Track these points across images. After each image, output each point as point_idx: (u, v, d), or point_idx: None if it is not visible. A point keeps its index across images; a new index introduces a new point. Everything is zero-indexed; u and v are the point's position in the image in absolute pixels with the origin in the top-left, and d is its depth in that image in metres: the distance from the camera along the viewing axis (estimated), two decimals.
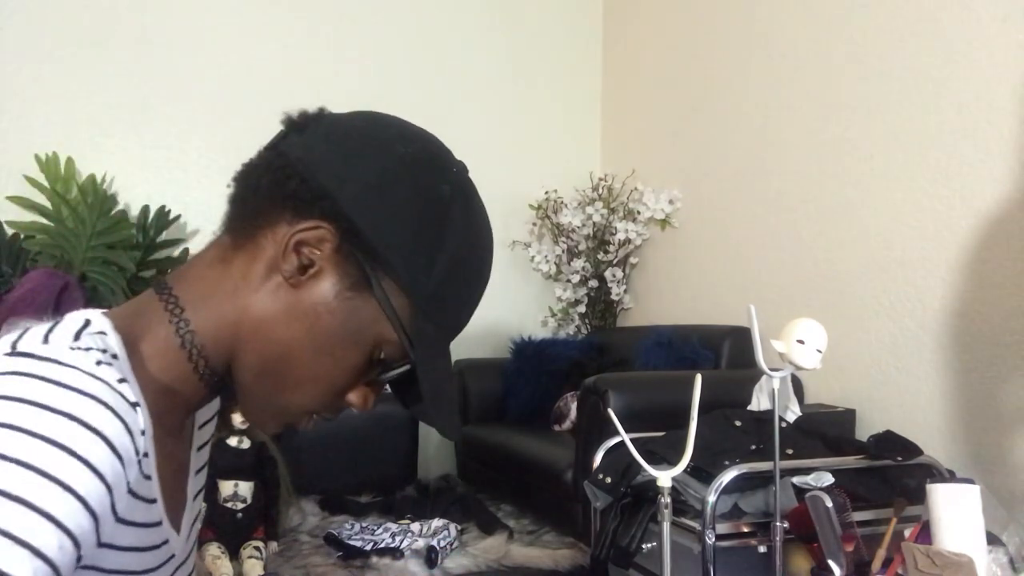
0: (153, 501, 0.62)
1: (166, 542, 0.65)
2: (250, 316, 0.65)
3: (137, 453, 0.55)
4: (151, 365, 0.63)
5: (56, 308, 2.58)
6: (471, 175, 0.71)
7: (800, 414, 2.14)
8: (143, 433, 0.57)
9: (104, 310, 0.65)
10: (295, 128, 0.68)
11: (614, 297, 3.78)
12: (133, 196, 3.37)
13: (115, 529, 0.56)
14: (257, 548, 2.41)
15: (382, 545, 2.55)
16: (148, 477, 0.60)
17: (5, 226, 3.07)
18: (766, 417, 1.93)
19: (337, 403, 0.68)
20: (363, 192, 0.64)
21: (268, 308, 0.64)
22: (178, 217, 3.36)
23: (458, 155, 0.72)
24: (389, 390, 0.75)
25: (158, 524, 0.63)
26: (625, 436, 1.50)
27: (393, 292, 0.65)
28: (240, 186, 0.68)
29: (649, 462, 1.51)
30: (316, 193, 0.64)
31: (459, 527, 2.71)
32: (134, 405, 0.56)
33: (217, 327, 0.65)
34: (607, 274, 3.76)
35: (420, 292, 0.65)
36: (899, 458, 1.94)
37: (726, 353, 2.88)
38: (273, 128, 0.71)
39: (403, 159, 0.66)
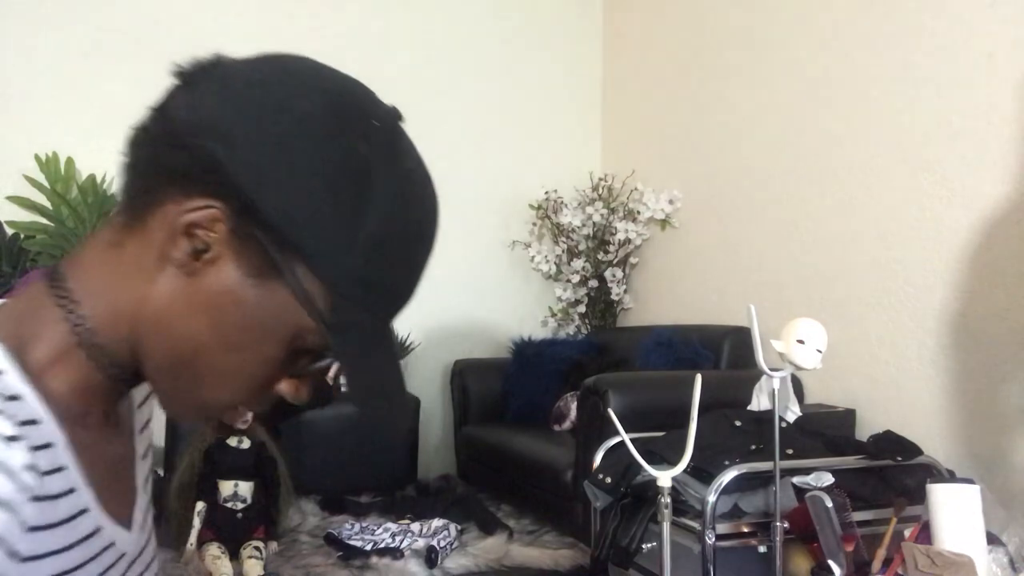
0: (69, 492, 0.55)
1: (98, 530, 0.58)
2: (148, 309, 0.57)
3: (33, 482, 0.51)
4: (52, 372, 0.56)
5: None
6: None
7: (800, 414, 2.14)
8: (49, 446, 0.53)
9: None
10: (184, 82, 0.58)
11: (614, 297, 3.78)
12: None
13: (29, 545, 0.51)
14: (257, 548, 2.41)
15: (382, 545, 2.55)
16: (58, 469, 0.54)
17: (5, 226, 3.08)
18: (766, 417, 1.93)
19: (263, 396, 0.61)
20: (259, 160, 0.54)
21: (166, 300, 0.56)
22: None
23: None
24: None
25: (84, 512, 0.57)
26: (625, 436, 1.50)
27: (308, 277, 0.56)
28: (130, 156, 0.59)
29: (649, 462, 1.51)
30: (204, 165, 0.54)
31: (459, 527, 2.71)
32: (28, 423, 0.52)
33: (115, 322, 0.58)
34: (607, 274, 3.76)
35: (340, 277, 0.56)
36: (899, 458, 1.94)
37: (726, 353, 2.88)
38: None
39: (309, 116, 0.56)
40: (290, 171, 0.55)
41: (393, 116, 0.61)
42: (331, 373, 3.38)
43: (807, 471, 1.84)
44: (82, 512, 0.56)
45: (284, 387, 0.61)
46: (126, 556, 0.62)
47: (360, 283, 0.57)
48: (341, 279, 0.56)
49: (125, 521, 0.62)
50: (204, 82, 0.57)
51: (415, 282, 0.63)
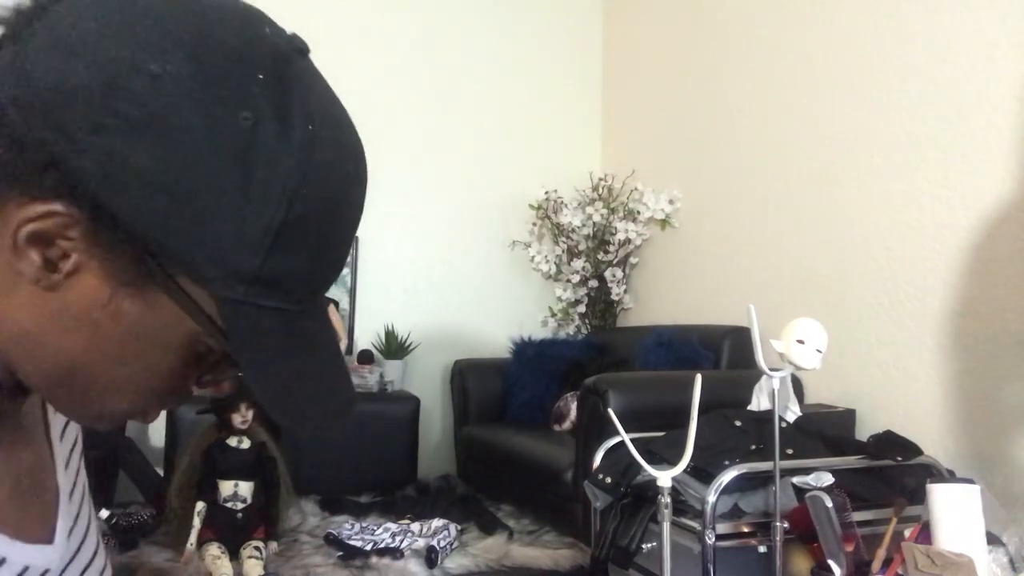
0: None
1: (2, 561, 0.50)
2: (9, 326, 0.47)
3: None
4: None
5: None
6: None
7: (800, 414, 2.14)
8: None
9: None
10: (6, 37, 0.45)
11: (614, 297, 3.78)
12: None
13: None
14: (257, 548, 2.41)
15: (382, 545, 2.55)
16: None
17: None
18: (766, 417, 1.93)
19: (171, 400, 0.52)
20: (108, 149, 0.42)
21: (28, 318, 0.46)
22: None
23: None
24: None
25: None
26: (625, 436, 1.50)
27: (189, 282, 0.46)
28: None
29: (649, 462, 1.51)
30: (38, 160, 0.43)
31: (459, 527, 2.72)
32: None
33: None
34: (607, 274, 3.76)
35: (229, 280, 0.45)
36: (899, 458, 1.94)
37: (726, 353, 2.88)
38: None
39: (169, 79, 0.43)
40: (148, 158, 0.43)
41: (286, 57, 0.47)
42: None
43: (807, 471, 1.84)
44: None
45: (197, 390, 0.53)
46: (51, 572, 0.55)
47: (256, 282, 0.46)
48: (231, 282, 0.45)
49: (45, 536, 0.55)
50: (23, 39, 0.44)
51: (338, 259, 0.51)
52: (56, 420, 0.61)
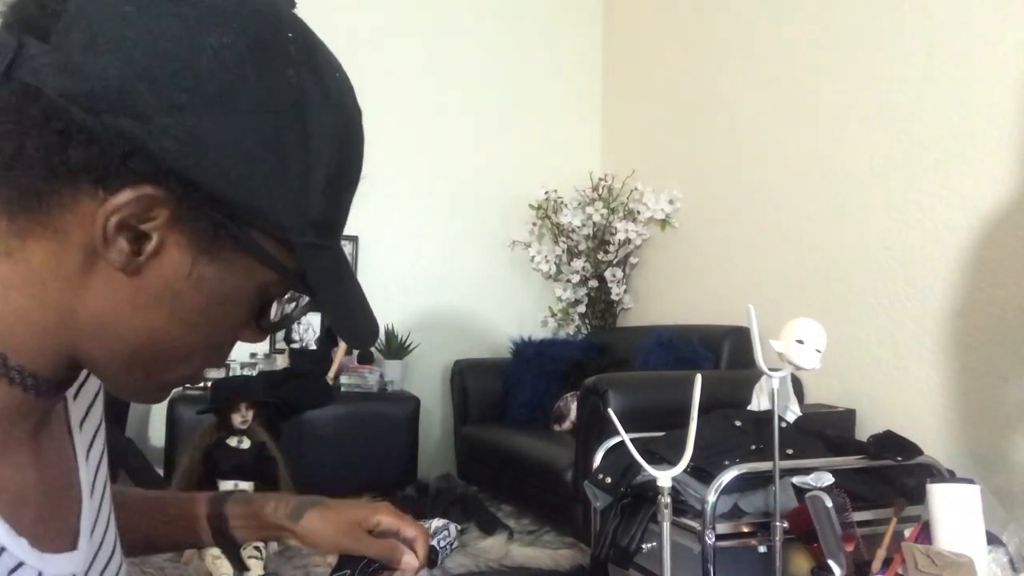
0: None
1: (21, 564, 0.49)
2: (83, 318, 0.49)
3: None
4: None
5: None
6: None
7: (800, 414, 2.14)
8: None
9: None
10: (32, 32, 0.44)
11: (614, 297, 3.78)
12: None
13: None
14: (257, 548, 2.41)
15: None
16: None
17: None
18: (766, 417, 1.93)
19: (225, 355, 0.56)
20: (182, 124, 0.44)
21: (107, 305, 0.48)
22: None
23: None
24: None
25: (19, 566, 0.49)
26: (625, 436, 1.50)
27: (262, 235, 0.49)
28: None
29: (649, 462, 1.51)
30: (118, 149, 0.44)
31: (459, 527, 2.70)
32: None
33: (30, 342, 0.49)
34: (607, 274, 3.76)
35: (301, 226, 0.50)
36: (899, 458, 1.94)
37: (726, 353, 2.88)
38: None
39: (224, 51, 0.45)
40: (224, 127, 0.45)
41: (292, 10, 0.51)
42: (330, 373, 3.38)
43: (807, 471, 1.84)
44: (15, 569, 0.48)
45: (244, 337, 0.56)
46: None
47: (323, 226, 0.51)
48: (302, 228, 0.50)
49: (70, 541, 0.55)
50: (62, 29, 0.44)
51: (353, 197, 0.56)
52: (75, 409, 0.60)
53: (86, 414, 0.61)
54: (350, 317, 0.55)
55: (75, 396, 0.60)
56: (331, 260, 0.53)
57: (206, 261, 0.49)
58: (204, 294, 0.49)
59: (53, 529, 0.53)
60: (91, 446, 0.61)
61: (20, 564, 0.48)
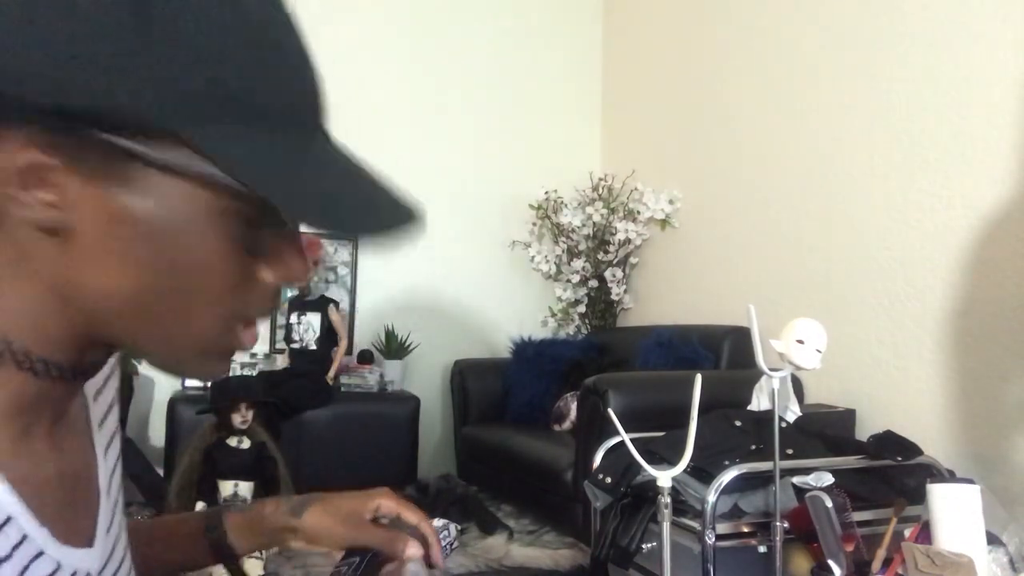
0: (20, 543, 0.46)
1: (57, 569, 0.49)
2: (69, 294, 0.46)
3: None
4: None
5: None
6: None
7: (800, 414, 2.14)
8: None
9: None
10: None
11: (614, 297, 3.78)
12: None
13: None
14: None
15: None
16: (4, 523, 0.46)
17: None
18: (766, 417, 1.93)
19: (253, 298, 0.50)
20: (19, 37, 0.39)
21: (71, 275, 0.45)
22: None
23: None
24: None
25: (39, 556, 0.48)
26: (625, 436, 1.50)
27: (168, 146, 0.42)
28: None
29: (649, 462, 1.51)
30: None
31: (459, 527, 2.71)
32: None
33: (41, 322, 0.46)
34: (607, 274, 3.76)
35: (188, 111, 0.42)
36: (899, 458, 1.94)
37: (726, 353, 2.88)
38: None
39: None
40: (69, 31, 0.39)
41: None
42: (330, 373, 3.38)
43: (807, 471, 1.84)
44: (35, 558, 0.47)
45: (268, 276, 0.50)
46: (91, 575, 0.54)
47: (242, 105, 0.43)
48: (187, 113, 0.42)
49: (87, 538, 0.54)
50: None
51: (303, 57, 0.47)
52: (96, 407, 0.59)
53: (105, 416, 0.60)
54: (311, 196, 0.45)
55: (95, 397, 0.59)
56: (263, 153, 0.44)
57: (120, 191, 0.43)
58: (145, 232, 0.44)
59: (72, 523, 0.51)
60: (109, 446, 0.60)
61: (40, 553, 0.47)
